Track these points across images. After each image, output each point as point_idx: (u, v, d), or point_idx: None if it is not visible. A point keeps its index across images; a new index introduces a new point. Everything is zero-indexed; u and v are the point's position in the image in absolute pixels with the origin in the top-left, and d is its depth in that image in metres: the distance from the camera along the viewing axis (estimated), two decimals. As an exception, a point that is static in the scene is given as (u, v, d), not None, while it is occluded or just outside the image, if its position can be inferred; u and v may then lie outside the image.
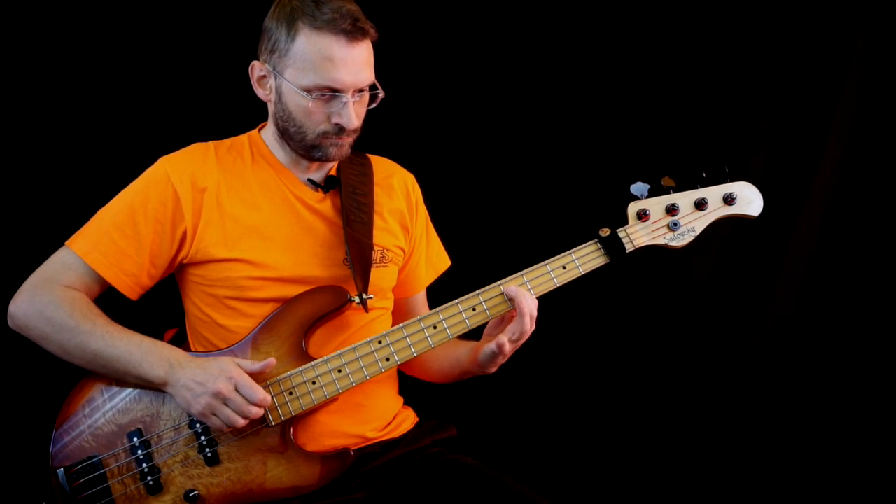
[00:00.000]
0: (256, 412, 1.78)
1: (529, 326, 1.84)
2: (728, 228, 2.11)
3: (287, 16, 1.84)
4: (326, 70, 1.82)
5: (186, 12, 2.62)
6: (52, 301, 1.84)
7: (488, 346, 1.87)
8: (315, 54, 1.82)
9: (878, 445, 2.78)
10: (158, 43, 2.62)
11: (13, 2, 2.51)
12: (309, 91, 1.84)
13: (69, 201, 2.42)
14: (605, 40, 2.82)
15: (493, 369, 1.97)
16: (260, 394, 1.77)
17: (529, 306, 1.83)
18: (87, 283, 1.89)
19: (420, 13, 2.73)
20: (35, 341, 1.88)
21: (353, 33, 1.82)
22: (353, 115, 1.86)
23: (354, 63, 1.84)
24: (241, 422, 1.77)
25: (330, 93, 1.84)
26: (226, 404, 1.76)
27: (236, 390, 1.76)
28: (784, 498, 2.83)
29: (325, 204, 2.00)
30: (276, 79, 1.88)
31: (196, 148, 1.99)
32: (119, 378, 1.85)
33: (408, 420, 2.08)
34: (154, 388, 1.84)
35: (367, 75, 1.87)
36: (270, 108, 1.95)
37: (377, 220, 2.03)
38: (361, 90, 1.88)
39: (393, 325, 2.02)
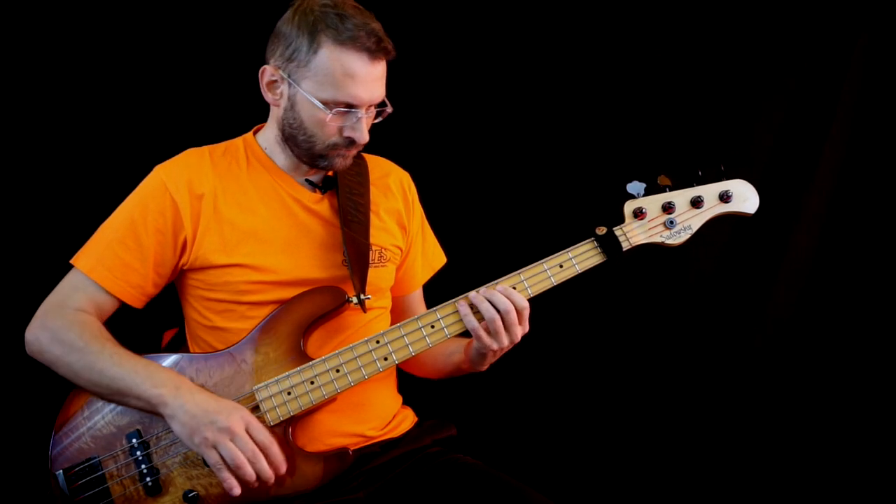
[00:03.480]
0: (261, 466, 1.74)
1: (506, 328, 1.84)
2: (728, 228, 2.11)
3: (310, 26, 1.83)
4: (347, 86, 1.82)
5: (182, 18, 2.63)
6: (63, 325, 1.85)
7: (476, 344, 1.88)
8: (338, 70, 1.82)
9: (878, 445, 2.78)
10: (151, 49, 2.62)
11: (11, 9, 2.52)
12: (327, 104, 1.84)
13: (66, 213, 2.44)
14: (602, 39, 2.83)
15: (484, 367, 1.98)
16: (270, 440, 1.75)
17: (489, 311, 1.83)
18: (96, 301, 1.89)
19: (417, 11, 2.74)
20: (48, 365, 1.87)
21: (376, 52, 1.83)
22: (365, 130, 1.88)
23: (373, 80, 1.85)
24: (243, 460, 1.74)
25: (347, 108, 1.85)
26: (232, 440, 1.75)
27: (247, 431, 1.75)
28: (784, 498, 2.83)
29: (322, 205, 2.00)
30: (290, 87, 1.88)
31: (191, 154, 1.99)
32: (121, 400, 1.83)
33: (407, 419, 2.09)
34: (151, 409, 1.80)
35: (381, 92, 1.89)
36: (277, 112, 1.95)
37: (374, 220, 2.03)
38: (373, 106, 1.90)
39: (391, 323, 2.03)
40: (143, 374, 1.80)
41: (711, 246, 2.81)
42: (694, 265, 2.85)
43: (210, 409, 1.75)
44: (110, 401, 1.85)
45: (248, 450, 1.74)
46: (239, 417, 1.75)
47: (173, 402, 1.77)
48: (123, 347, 1.85)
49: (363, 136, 1.88)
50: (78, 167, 2.60)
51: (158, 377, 1.80)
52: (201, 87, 2.61)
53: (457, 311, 1.87)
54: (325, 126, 1.87)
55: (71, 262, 1.92)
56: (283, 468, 1.78)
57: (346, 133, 1.88)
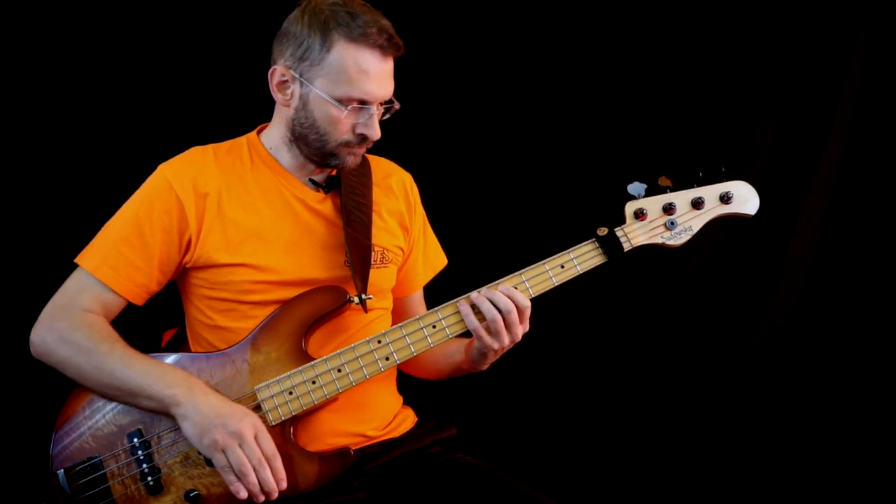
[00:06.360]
0: (265, 476, 1.74)
1: (508, 328, 1.84)
2: (727, 228, 2.11)
3: (321, 25, 1.84)
4: (362, 83, 1.84)
5: (184, 17, 2.62)
6: (71, 325, 1.84)
7: (477, 343, 1.89)
8: (352, 66, 1.83)
9: (879, 445, 2.79)
10: (154, 48, 2.62)
11: (13, 6, 2.52)
12: (342, 102, 1.85)
13: (70, 213, 2.44)
14: (603, 40, 2.83)
15: (485, 367, 1.99)
16: (275, 452, 1.76)
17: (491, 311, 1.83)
18: (103, 301, 1.89)
19: (418, 12, 2.73)
20: (55, 367, 1.87)
21: (387, 48, 1.85)
22: (377, 126, 1.90)
23: (385, 77, 1.87)
24: (248, 467, 1.73)
25: (361, 104, 1.86)
26: (241, 446, 1.74)
27: (255, 439, 1.75)
28: (784, 498, 2.83)
29: (325, 204, 2.01)
30: (302, 86, 1.88)
31: (195, 152, 2.00)
32: (131, 401, 1.82)
33: (408, 420, 2.09)
34: (162, 409, 1.80)
35: (392, 88, 1.91)
36: (287, 112, 1.94)
37: (376, 220, 2.04)
38: (383, 102, 1.91)
39: (391, 324, 2.03)
40: (156, 375, 1.80)
41: (711, 245, 2.81)
42: (694, 264, 2.85)
43: (222, 413, 1.75)
44: (119, 401, 1.84)
45: (255, 457, 1.74)
46: (250, 423, 1.75)
47: (186, 402, 1.77)
48: (132, 348, 1.85)
49: (376, 133, 1.90)
50: (81, 167, 2.60)
51: (171, 377, 1.80)
52: (204, 86, 2.61)
53: (458, 312, 1.87)
54: (339, 123, 1.87)
55: (75, 261, 1.91)
56: (284, 484, 1.77)
57: (360, 130, 1.89)
